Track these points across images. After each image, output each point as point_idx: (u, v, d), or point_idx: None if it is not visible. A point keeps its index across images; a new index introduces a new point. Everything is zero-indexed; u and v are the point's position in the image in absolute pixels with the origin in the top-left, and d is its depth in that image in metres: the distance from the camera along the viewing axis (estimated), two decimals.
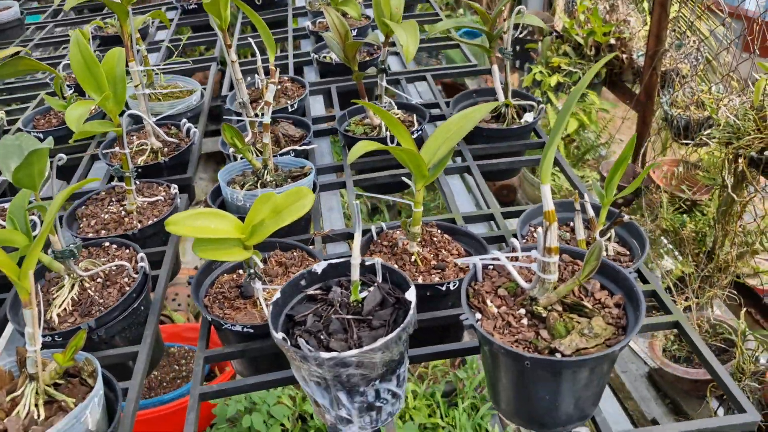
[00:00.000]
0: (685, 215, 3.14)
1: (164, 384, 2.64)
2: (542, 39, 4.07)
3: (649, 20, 3.47)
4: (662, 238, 3.14)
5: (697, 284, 2.77)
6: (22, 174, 0.98)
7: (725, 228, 2.52)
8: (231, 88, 1.99)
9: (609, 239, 1.15)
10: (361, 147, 1.00)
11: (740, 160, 2.17)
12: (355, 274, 0.90)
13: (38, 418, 0.89)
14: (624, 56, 3.81)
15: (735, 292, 2.54)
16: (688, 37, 3.33)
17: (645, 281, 1.14)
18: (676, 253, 3.10)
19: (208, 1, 1.32)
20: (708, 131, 2.66)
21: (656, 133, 3.37)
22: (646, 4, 3.96)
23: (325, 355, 0.79)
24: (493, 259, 0.92)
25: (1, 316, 1.17)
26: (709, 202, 3.04)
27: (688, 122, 2.99)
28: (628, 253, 1.17)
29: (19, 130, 1.76)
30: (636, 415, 2.63)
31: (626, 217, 1.08)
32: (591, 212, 1.16)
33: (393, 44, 2.16)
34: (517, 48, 4.46)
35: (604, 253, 1.15)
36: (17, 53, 1.25)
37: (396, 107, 1.59)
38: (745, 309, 2.31)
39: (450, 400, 2.51)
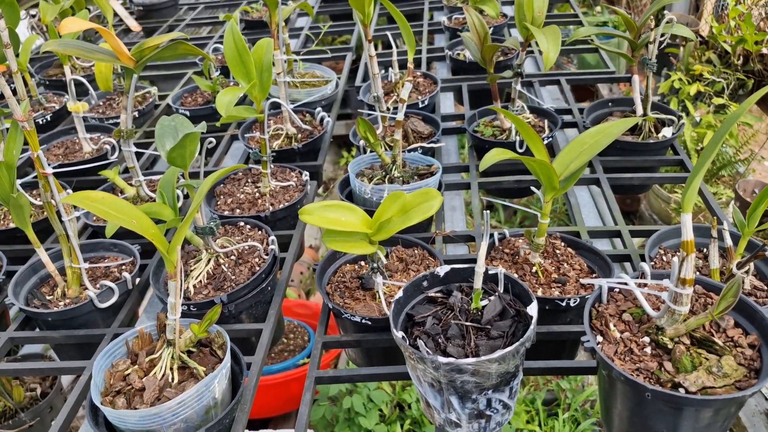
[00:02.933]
0: None
1: (272, 355, 2.77)
2: (684, 44, 3.86)
3: None
4: None
5: None
6: (176, 154, 1.06)
7: None
8: (364, 79, 2.04)
9: (747, 272, 1.08)
10: (494, 155, 1.00)
11: None
12: (478, 283, 0.91)
13: (172, 381, 0.96)
14: None
15: None
16: None
17: None
18: None
19: None
20: None
21: None
22: None
23: (442, 359, 0.81)
24: (620, 282, 0.89)
25: (144, 281, 1.27)
26: None
27: None
28: (766, 288, 1.10)
29: (168, 106, 1.89)
30: None
31: None
32: (729, 241, 1.10)
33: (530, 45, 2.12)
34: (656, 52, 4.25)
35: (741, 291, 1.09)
36: (177, 38, 1.34)
37: (528, 111, 1.57)
38: None
39: (550, 410, 2.47)
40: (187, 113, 1.79)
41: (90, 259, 1.30)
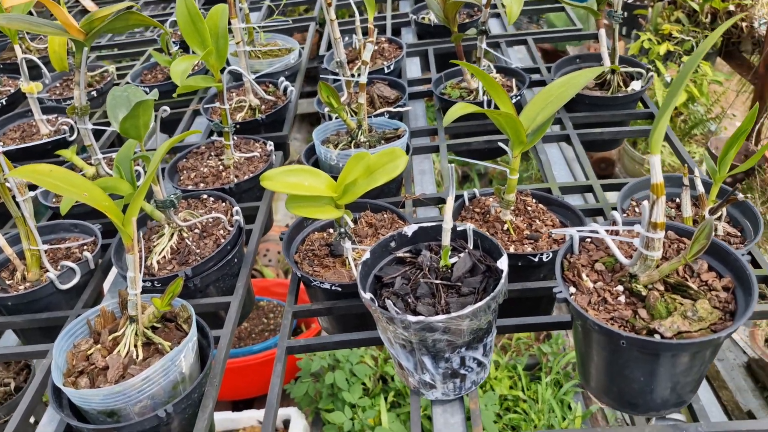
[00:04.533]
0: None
1: (253, 335, 2.74)
2: (653, 4, 3.84)
3: None
4: None
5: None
6: (129, 124, 1.02)
7: None
8: (329, 48, 1.99)
9: (719, 218, 1.07)
10: (458, 109, 0.97)
11: None
12: (446, 239, 0.88)
13: (137, 357, 0.93)
14: (744, 24, 3.54)
15: None
16: None
17: (757, 265, 1.06)
18: None
19: None
20: None
21: None
22: None
23: (412, 318, 0.79)
24: (592, 231, 0.87)
25: (107, 260, 1.23)
26: None
27: None
28: (739, 234, 1.09)
29: (127, 84, 1.84)
30: (730, 406, 2.51)
31: (740, 196, 1.01)
32: (701, 188, 1.08)
33: (495, 6, 2.09)
34: (625, 14, 4.23)
35: (713, 233, 1.08)
36: (129, 8, 1.29)
37: (495, 71, 1.54)
38: None
39: (532, 374, 2.47)
40: (147, 90, 1.73)
41: (50, 240, 1.25)
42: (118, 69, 2.20)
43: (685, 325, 0.78)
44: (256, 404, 2.63)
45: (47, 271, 1.16)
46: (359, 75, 1.28)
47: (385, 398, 2.30)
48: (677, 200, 1.16)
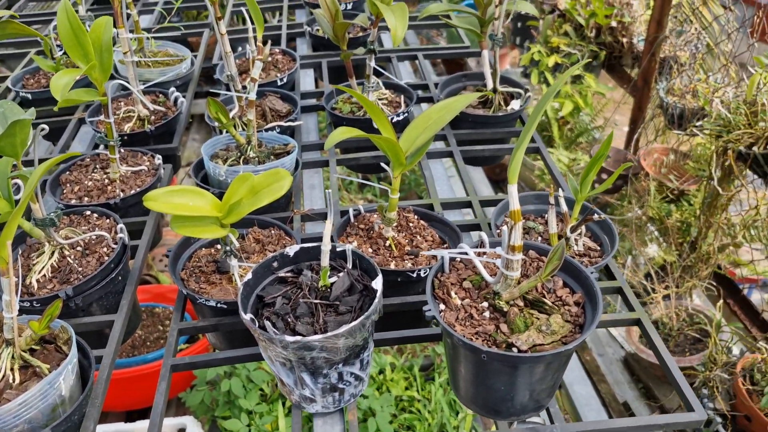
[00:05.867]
0: (671, 204, 3.17)
1: (148, 343, 2.69)
2: (543, 18, 4.04)
3: (651, 4, 3.45)
4: (648, 225, 3.17)
5: (678, 273, 2.82)
6: (5, 143, 1.00)
7: (709, 220, 2.55)
8: (221, 56, 1.99)
9: (580, 234, 1.17)
10: (339, 134, 1.02)
11: (729, 154, 2.19)
12: (325, 260, 0.92)
13: (13, 382, 0.92)
14: (624, 40, 3.79)
15: (714, 284, 2.58)
16: (690, 23, 3.31)
17: (612, 277, 1.17)
18: (661, 240, 3.14)
19: None
20: (700, 122, 2.68)
21: (650, 119, 3.37)
22: None
23: (289, 338, 0.82)
24: (461, 252, 0.94)
25: None
26: (697, 192, 3.07)
27: (682, 111, 3.00)
28: (598, 248, 1.19)
29: (7, 89, 1.76)
30: (608, 398, 2.69)
31: (596, 216, 1.11)
32: (564, 207, 1.18)
33: (385, 24, 2.14)
34: (518, 25, 4.43)
35: (575, 249, 1.18)
36: (10, 16, 1.25)
37: (383, 87, 1.59)
38: (723, 300, 2.35)
39: (427, 374, 2.56)
40: (29, 96, 1.68)
41: None
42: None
43: (539, 339, 0.86)
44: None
45: None
46: (253, 89, 1.30)
47: (283, 404, 2.32)
48: (546, 216, 1.26)
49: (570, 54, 3.78)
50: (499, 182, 3.92)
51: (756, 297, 2.93)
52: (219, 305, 1.06)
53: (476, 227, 1.30)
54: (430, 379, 2.53)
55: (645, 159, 3.31)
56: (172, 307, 2.81)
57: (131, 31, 1.58)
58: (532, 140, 1.59)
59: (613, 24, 3.76)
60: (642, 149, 3.35)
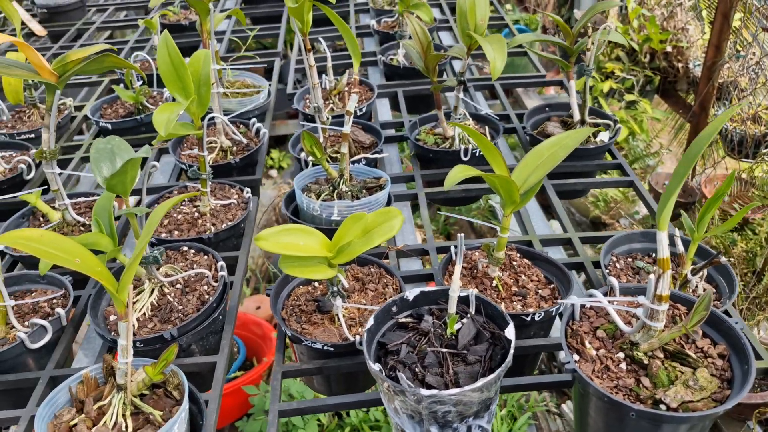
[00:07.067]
0: (736, 233, 3.08)
1: None
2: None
3: (708, 29, 3.39)
4: None
5: (745, 305, 2.72)
6: (116, 181, 0.98)
7: None
8: (295, 84, 1.97)
9: (701, 278, 1.11)
10: (458, 173, 0.98)
11: None
12: (453, 307, 0.88)
13: (126, 429, 0.89)
14: (680, 65, 3.73)
15: None
16: (751, 47, 3.24)
17: None
18: None
19: (293, 6, 1.30)
20: (767, 150, 2.61)
21: (708, 146, 3.29)
22: (704, 13, 3.86)
23: (424, 392, 0.78)
24: (593, 299, 0.89)
25: (78, 315, 1.17)
26: (762, 221, 2.97)
27: (743, 137, 2.93)
28: (714, 291, 1.13)
29: (86, 118, 1.77)
30: None
31: (723, 259, 1.05)
32: (681, 247, 1.12)
33: (475, 56, 2.11)
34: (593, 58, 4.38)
35: (691, 290, 1.12)
36: (105, 50, 1.24)
37: (470, 119, 1.56)
38: None
39: None
40: (109, 126, 1.68)
41: (14, 293, 1.18)
42: (64, 94, 2.11)
43: (688, 395, 0.81)
44: None
45: (13, 327, 1.09)
46: (334, 119, 1.28)
47: None
48: (654, 255, 1.20)
49: (624, 79, 3.72)
50: (547, 207, 3.86)
51: None
52: (325, 348, 1.03)
53: (579, 266, 1.25)
54: None
55: (706, 186, 3.23)
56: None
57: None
58: (624, 172, 1.54)
59: (668, 49, 3.70)
60: (702, 176, 3.27)
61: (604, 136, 1.54)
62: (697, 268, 1.08)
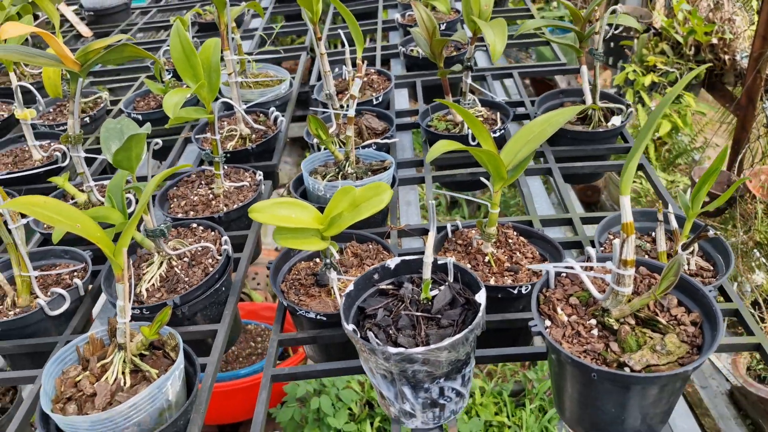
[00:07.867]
0: None
1: (240, 359, 2.75)
2: (638, 36, 3.93)
3: (756, 20, 3.29)
4: (755, 251, 2.99)
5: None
6: (122, 156, 1.05)
7: None
8: (319, 77, 2.03)
9: (692, 253, 1.11)
10: (441, 146, 1.01)
11: None
12: (427, 273, 0.91)
13: (124, 385, 0.95)
14: (726, 57, 3.63)
15: None
16: None
17: (728, 299, 1.10)
18: None
19: None
20: None
21: (756, 140, 3.20)
22: (754, 3, 3.75)
23: (392, 350, 0.81)
24: (567, 266, 0.91)
25: (96, 287, 1.26)
26: None
27: None
28: (711, 268, 1.13)
29: (120, 111, 1.87)
30: None
31: (711, 232, 1.05)
32: (674, 224, 1.12)
33: (481, 40, 2.13)
34: (611, 45, 4.32)
35: (686, 268, 1.12)
36: (126, 40, 1.33)
37: (480, 105, 1.58)
38: None
39: (517, 400, 2.49)
40: (140, 117, 1.77)
41: (41, 266, 1.27)
42: (111, 92, 2.24)
43: (654, 359, 0.82)
44: (241, 428, 2.63)
45: (37, 297, 1.18)
46: (348, 107, 1.32)
47: (371, 423, 2.31)
48: (653, 234, 1.20)
49: (667, 72, 3.65)
50: (590, 204, 3.80)
51: None
52: (318, 317, 1.07)
53: (577, 245, 1.26)
54: (521, 405, 2.46)
55: (752, 180, 3.14)
56: (264, 324, 2.87)
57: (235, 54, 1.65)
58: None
59: (714, 41, 3.61)
60: (747, 170, 3.18)
61: (616, 120, 1.54)
62: (686, 243, 1.08)
